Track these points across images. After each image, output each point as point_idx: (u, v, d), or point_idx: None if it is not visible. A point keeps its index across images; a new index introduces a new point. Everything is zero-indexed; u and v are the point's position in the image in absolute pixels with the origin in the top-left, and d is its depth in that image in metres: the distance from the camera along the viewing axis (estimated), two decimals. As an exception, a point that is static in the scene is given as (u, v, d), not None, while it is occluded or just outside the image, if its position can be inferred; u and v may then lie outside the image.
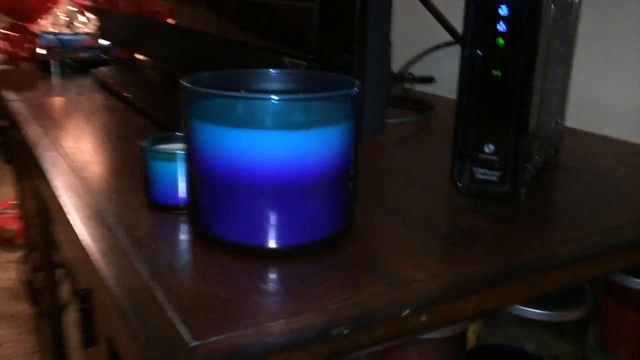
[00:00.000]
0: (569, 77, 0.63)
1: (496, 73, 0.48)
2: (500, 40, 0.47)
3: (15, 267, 1.96)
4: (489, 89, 0.48)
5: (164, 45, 0.93)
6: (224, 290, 0.35)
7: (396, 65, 1.02)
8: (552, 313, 0.61)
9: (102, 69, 1.11)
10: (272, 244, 0.39)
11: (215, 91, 0.38)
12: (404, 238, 0.43)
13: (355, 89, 0.40)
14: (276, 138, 0.38)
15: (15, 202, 2.35)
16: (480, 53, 0.48)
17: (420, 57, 0.91)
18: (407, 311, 0.33)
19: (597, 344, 0.65)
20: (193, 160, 0.40)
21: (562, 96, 0.63)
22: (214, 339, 0.30)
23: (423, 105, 0.83)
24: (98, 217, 0.45)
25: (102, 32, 1.21)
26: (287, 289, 0.35)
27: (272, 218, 0.39)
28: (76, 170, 0.56)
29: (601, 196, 0.53)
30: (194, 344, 0.30)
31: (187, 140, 0.41)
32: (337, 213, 0.41)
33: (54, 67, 1.12)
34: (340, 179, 0.41)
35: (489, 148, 0.50)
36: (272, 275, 0.37)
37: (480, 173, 0.50)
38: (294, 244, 0.40)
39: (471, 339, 0.69)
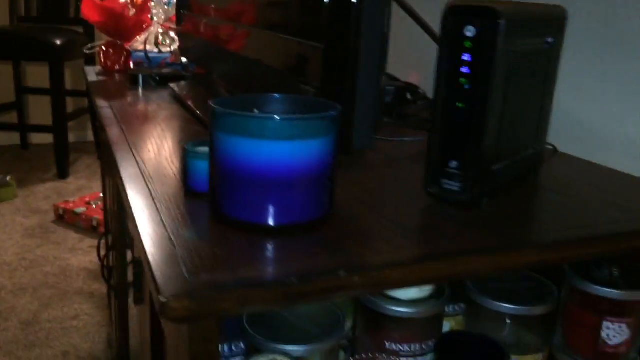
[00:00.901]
0: (548, 109, 0.74)
1: (459, 105, 0.60)
2: (463, 80, 0.59)
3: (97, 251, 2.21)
4: (454, 117, 0.61)
5: (225, 66, 1.10)
6: (221, 250, 0.49)
7: (430, 91, 1.14)
8: (520, 307, 0.71)
9: (180, 83, 1.30)
10: (268, 222, 0.54)
11: (230, 111, 0.53)
12: (370, 228, 0.56)
13: (333, 112, 0.54)
14: (275, 146, 0.52)
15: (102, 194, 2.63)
16: (448, 89, 0.60)
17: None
18: (343, 272, 0.46)
19: (562, 344, 0.75)
20: (214, 159, 0.55)
21: (542, 125, 0.73)
22: (203, 275, 0.44)
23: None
24: (149, 197, 0.61)
25: (183, 51, 1.41)
26: (266, 252, 0.49)
27: (270, 204, 0.53)
28: (140, 162, 0.72)
29: (553, 210, 0.63)
30: (188, 277, 0.44)
31: (211, 145, 0.56)
32: (317, 203, 0.55)
33: (141, 81, 1.32)
34: (321, 178, 0.55)
35: (453, 163, 0.62)
36: (259, 244, 0.51)
37: (446, 183, 0.62)
38: (283, 224, 0.54)
39: (454, 328, 0.80)
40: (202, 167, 0.61)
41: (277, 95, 0.59)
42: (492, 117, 0.60)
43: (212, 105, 0.55)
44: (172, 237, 0.52)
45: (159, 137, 0.86)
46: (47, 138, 3.70)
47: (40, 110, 3.69)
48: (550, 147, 0.87)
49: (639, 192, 0.71)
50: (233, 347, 0.64)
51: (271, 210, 0.53)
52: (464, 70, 0.59)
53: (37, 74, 3.65)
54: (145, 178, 0.67)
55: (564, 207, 0.65)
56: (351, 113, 0.61)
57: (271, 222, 0.54)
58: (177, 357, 0.52)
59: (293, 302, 0.45)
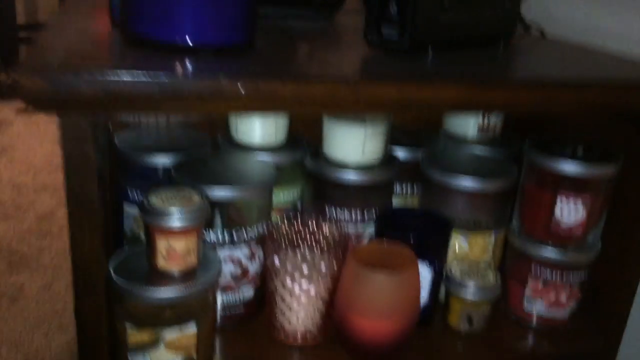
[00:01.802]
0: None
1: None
2: None
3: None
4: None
5: None
6: (112, 57, 0.47)
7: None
8: (469, 184, 0.67)
9: None
10: (175, 40, 0.49)
11: None
12: (289, 64, 0.53)
13: None
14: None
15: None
16: None
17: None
18: (224, 77, 0.43)
19: (518, 227, 0.70)
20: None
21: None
22: (73, 67, 0.42)
23: None
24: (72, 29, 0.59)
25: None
26: (157, 62, 0.46)
27: (176, 20, 0.49)
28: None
29: (496, 66, 0.58)
30: (55, 66, 0.42)
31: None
32: (230, 26, 0.51)
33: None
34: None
35: (393, 9, 0.57)
36: (156, 57, 0.48)
37: (386, 28, 0.58)
38: (192, 43, 0.49)
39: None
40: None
41: None
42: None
43: None
44: (70, 48, 0.50)
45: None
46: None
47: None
48: (538, 32, 0.80)
49: (603, 64, 0.64)
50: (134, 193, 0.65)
51: (177, 27, 0.50)
52: None
53: None
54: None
55: (510, 66, 0.59)
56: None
57: (178, 40, 0.50)
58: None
59: (162, 105, 0.43)
